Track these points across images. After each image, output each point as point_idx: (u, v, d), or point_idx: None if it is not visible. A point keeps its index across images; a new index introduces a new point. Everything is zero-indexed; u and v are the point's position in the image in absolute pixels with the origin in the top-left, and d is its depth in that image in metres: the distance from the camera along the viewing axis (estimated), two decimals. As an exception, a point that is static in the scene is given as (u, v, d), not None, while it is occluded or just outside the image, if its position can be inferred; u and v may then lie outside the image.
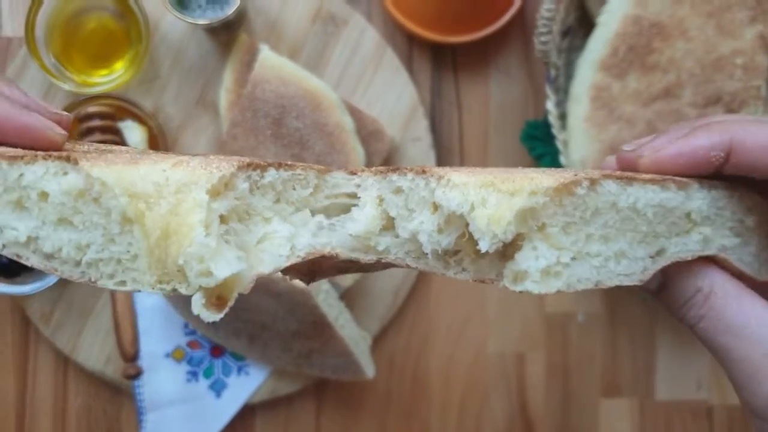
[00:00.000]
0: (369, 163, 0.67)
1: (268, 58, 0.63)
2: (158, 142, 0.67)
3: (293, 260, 0.32)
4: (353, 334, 0.66)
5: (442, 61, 0.73)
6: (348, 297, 0.69)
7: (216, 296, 0.28)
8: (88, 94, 0.66)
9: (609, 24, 0.65)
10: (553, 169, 0.38)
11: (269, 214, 0.32)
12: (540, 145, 0.66)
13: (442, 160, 0.73)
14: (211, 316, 0.28)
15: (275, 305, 0.61)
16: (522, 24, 0.73)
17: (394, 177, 0.33)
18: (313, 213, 0.33)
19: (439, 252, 0.32)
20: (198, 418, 0.69)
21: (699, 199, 0.33)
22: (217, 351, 0.70)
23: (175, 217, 0.28)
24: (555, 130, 0.65)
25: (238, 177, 0.30)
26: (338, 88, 0.70)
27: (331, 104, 0.63)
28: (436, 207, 0.32)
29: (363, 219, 0.33)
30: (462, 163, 0.73)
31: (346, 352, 0.64)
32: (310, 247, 0.32)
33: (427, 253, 0.32)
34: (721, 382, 0.75)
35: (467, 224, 0.31)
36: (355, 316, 0.69)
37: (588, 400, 0.74)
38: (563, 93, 0.69)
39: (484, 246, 0.29)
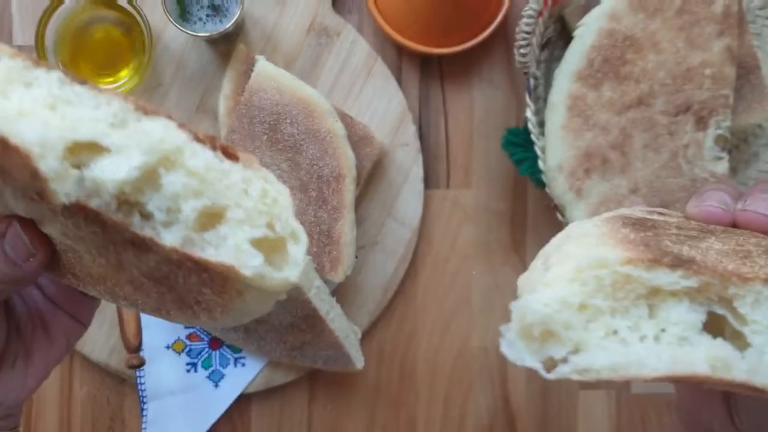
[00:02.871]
0: (360, 167, 0.71)
1: (264, 68, 0.67)
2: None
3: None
4: (344, 328, 0.70)
5: (430, 70, 0.77)
6: (339, 293, 0.73)
7: None
8: (94, 100, 0.70)
9: (585, 37, 0.69)
10: None
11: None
12: (520, 151, 0.70)
13: (430, 164, 0.77)
14: None
15: (270, 300, 0.65)
16: (505, 36, 0.77)
17: None
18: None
19: None
20: (197, 407, 0.73)
21: None
22: (215, 343, 0.74)
23: None
24: (534, 137, 0.69)
25: None
26: (330, 95, 0.74)
27: (324, 112, 0.67)
28: None
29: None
30: (448, 165, 0.77)
31: (336, 345, 0.68)
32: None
33: None
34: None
35: None
36: (346, 311, 0.73)
37: (567, 392, 0.78)
38: (542, 101, 0.73)
39: None
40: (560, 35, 0.78)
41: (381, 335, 0.77)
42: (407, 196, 0.75)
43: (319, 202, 0.67)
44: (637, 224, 0.32)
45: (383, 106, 0.75)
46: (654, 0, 0.68)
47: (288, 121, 0.66)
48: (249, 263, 0.29)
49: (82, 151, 0.29)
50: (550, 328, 0.27)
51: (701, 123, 0.69)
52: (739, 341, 0.28)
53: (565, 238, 0.32)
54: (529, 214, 0.78)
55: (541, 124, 0.71)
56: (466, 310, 0.77)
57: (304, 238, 0.31)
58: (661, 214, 0.39)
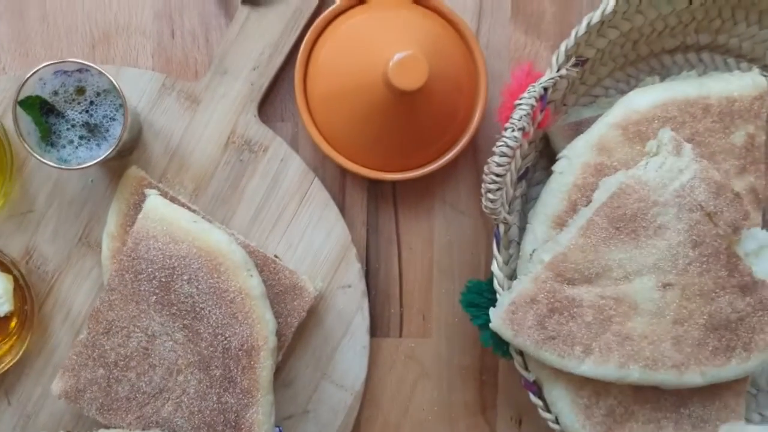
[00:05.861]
0: (284, 326, 0.56)
1: (154, 208, 0.51)
2: (24, 293, 0.55)
3: None
4: None
5: (380, 191, 0.62)
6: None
7: None
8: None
9: (566, 173, 0.54)
10: None
11: None
12: (483, 314, 0.55)
13: (378, 308, 0.62)
14: None
15: None
16: (473, 152, 0.62)
17: None
18: None
19: None
20: None
21: None
22: None
23: None
24: (500, 297, 0.54)
25: None
26: (252, 228, 0.59)
27: (234, 265, 0.51)
28: None
29: None
30: (401, 310, 0.62)
31: None
32: None
33: None
34: None
35: None
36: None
37: None
38: (516, 246, 0.58)
39: None
40: (542, 154, 0.63)
41: None
42: (348, 351, 0.60)
43: (224, 384, 0.51)
44: None
45: (320, 238, 0.60)
46: (655, 128, 0.54)
47: (185, 277, 0.51)
48: None
49: None
50: None
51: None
52: None
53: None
54: (501, 370, 0.63)
55: (513, 277, 0.56)
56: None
57: None
58: None
